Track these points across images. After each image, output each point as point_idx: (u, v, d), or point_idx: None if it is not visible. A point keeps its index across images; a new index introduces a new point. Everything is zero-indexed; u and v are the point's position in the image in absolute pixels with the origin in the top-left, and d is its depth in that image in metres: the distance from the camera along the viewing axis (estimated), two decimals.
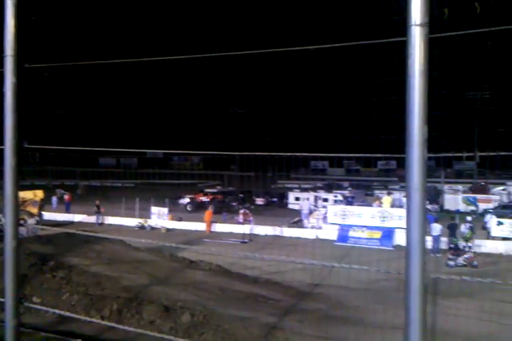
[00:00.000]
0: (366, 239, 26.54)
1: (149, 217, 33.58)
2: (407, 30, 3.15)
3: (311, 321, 12.16)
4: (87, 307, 10.19)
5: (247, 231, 28.67)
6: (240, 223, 31.28)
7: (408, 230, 3.66)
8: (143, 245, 17.98)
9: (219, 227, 31.83)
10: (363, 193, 44.20)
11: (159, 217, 33.45)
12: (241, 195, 47.00)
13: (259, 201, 47.23)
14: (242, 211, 32.93)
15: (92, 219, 34.27)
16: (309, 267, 18.57)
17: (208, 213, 32.00)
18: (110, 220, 34.68)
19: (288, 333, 10.89)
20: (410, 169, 3.40)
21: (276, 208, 43.72)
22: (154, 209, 34.10)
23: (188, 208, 41.60)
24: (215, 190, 51.93)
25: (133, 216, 34.30)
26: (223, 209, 38.74)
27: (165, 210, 33.90)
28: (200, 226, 31.85)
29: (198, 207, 40.49)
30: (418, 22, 3.10)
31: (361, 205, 32.50)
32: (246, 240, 27.35)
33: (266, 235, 29.38)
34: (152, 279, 13.26)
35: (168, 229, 31.91)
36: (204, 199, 42.82)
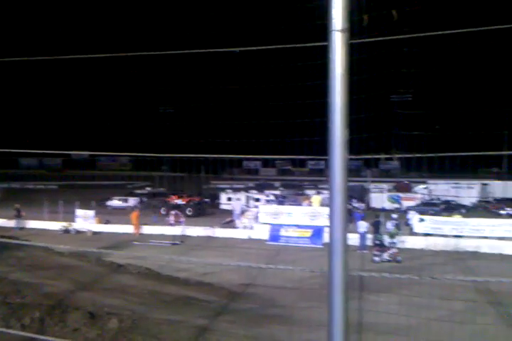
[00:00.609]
0: (297, 237, 27.03)
1: (74, 220, 32.30)
2: (328, 35, 3.23)
3: (243, 321, 12.23)
4: (6, 316, 9.65)
5: (179, 233, 28.33)
6: (171, 224, 30.82)
7: (331, 229, 3.74)
8: (67, 250, 17.30)
9: (149, 229, 31.19)
10: (294, 193, 45.06)
11: (85, 220, 32.25)
12: None
13: None
14: (173, 212, 32.48)
15: (12, 223, 32.50)
16: (241, 267, 18.69)
17: (135, 215, 31.25)
18: (32, 224, 33.02)
19: (220, 334, 10.88)
20: (332, 170, 3.49)
21: (209, 208, 43.52)
22: (79, 211, 32.85)
23: (162, 211, 38.72)
24: (144, 192, 50.85)
25: (56, 219, 32.87)
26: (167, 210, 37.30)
27: (91, 213, 32.73)
28: (129, 229, 31.06)
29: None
30: (339, 28, 3.19)
31: (292, 205, 33.06)
32: (177, 242, 26.99)
33: (198, 236, 29.18)
34: (77, 285, 12.77)
35: (94, 233, 30.84)
36: (179, 202, 40.75)
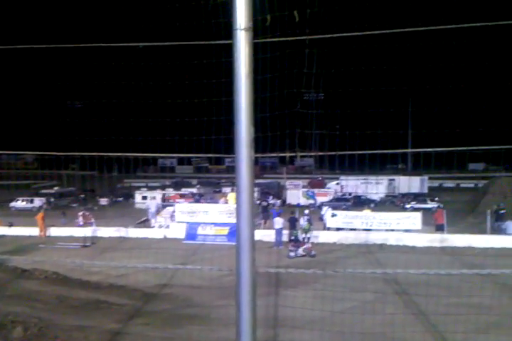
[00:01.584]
0: (214, 235, 26.94)
1: None
2: (232, 34, 3.24)
3: (157, 323, 12.01)
4: None
5: (89, 234, 27.19)
6: (80, 226, 29.54)
7: (238, 227, 3.75)
8: None
9: (57, 231, 29.62)
10: (212, 190, 45.04)
11: None
12: (82, 196, 44.55)
13: (103, 201, 45.28)
14: (81, 213, 31.14)
15: None
16: (155, 267, 18.36)
17: (40, 216, 29.57)
18: None
19: (133, 338, 10.61)
20: (239, 168, 3.50)
21: (123, 208, 42.30)
22: None
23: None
24: (52, 191, 48.36)
25: None
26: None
27: None
28: (35, 232, 29.32)
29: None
30: (243, 26, 3.20)
31: (209, 202, 32.96)
32: (88, 244, 25.90)
33: (110, 237, 28.18)
34: None
35: None
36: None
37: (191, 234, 27.57)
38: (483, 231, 26.63)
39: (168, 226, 29.51)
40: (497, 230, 26.97)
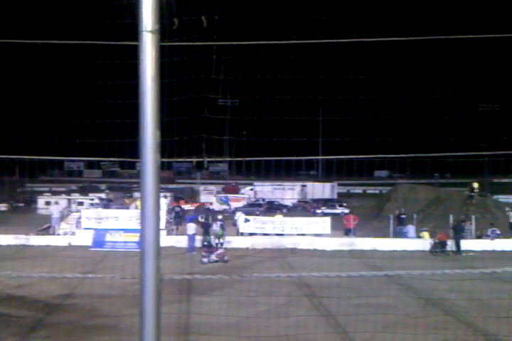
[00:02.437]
0: (124, 242, 26.08)
1: None
2: (138, 35, 3.15)
3: (60, 335, 11.41)
4: None
5: None
6: None
7: (142, 233, 3.65)
8: None
9: None
10: (122, 195, 43.64)
11: None
12: None
13: (1, 207, 42.26)
14: None
15: None
16: (58, 277, 17.43)
17: None
18: None
19: None
20: (144, 173, 3.41)
21: (23, 214, 39.64)
22: None
23: (169, 219, 32.26)
24: None
25: None
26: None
27: None
28: None
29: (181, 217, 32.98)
30: (149, 28, 3.13)
31: (119, 208, 31.89)
32: None
33: (8, 245, 26.21)
34: None
35: None
36: (188, 207, 38.05)
37: (99, 241, 26.48)
38: (386, 235, 28.17)
39: (73, 233, 28.12)
40: (399, 234, 28.63)
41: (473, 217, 29.18)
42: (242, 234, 28.74)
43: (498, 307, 12.70)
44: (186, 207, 40.61)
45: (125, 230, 26.60)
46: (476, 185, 34.57)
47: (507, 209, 31.05)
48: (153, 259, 3.68)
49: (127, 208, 31.41)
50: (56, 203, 32.71)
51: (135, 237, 26.25)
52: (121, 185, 57.82)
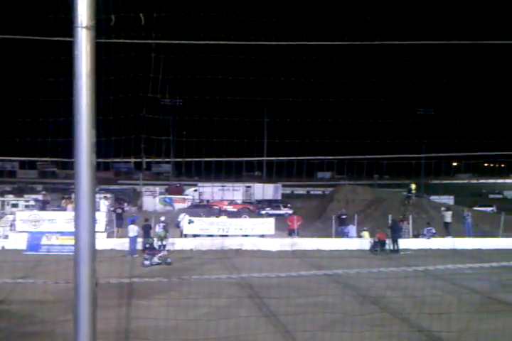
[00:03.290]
0: (60, 245, 25.14)
1: None
2: (73, 31, 3.06)
3: None
4: None
5: None
6: None
7: (76, 236, 3.54)
8: None
9: None
10: (59, 197, 42.08)
11: None
12: None
13: None
14: None
15: None
16: None
17: None
18: None
19: None
20: (78, 173, 3.31)
21: None
22: None
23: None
24: None
25: None
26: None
27: None
28: None
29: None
30: (84, 24, 3.04)
31: (55, 210, 30.76)
32: None
33: None
34: None
35: None
36: (230, 208, 37.84)
37: (34, 245, 25.40)
38: (329, 235, 28.78)
39: (7, 237, 26.84)
40: (341, 234, 29.33)
41: (410, 216, 30.38)
42: (185, 236, 28.47)
43: (430, 303, 13.28)
44: (227, 207, 40.63)
45: (62, 233, 25.61)
46: (413, 186, 36.02)
47: (442, 209, 32.49)
48: (88, 262, 3.58)
49: (64, 210, 30.36)
50: None
51: (72, 240, 25.32)
52: (58, 186, 55.69)
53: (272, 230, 28.65)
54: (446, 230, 29.89)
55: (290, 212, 38.66)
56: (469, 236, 29.47)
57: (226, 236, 28.17)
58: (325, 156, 12.01)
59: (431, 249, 26.33)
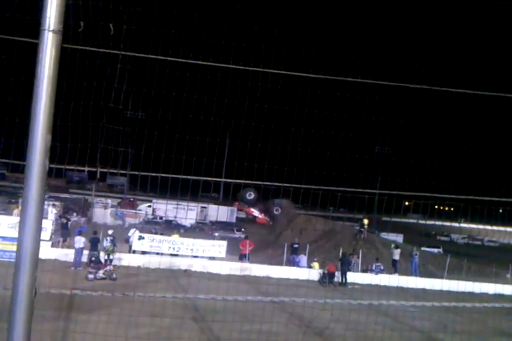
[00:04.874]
0: (1, 251, 24.13)
1: None
2: (39, 34, 3.04)
3: None
4: None
5: None
6: None
7: (20, 242, 3.44)
8: None
9: None
10: (6, 200, 40.57)
11: None
12: None
13: None
14: None
15: None
16: None
17: None
18: None
19: None
20: (28, 177, 3.24)
21: None
22: None
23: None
24: None
25: None
26: None
27: None
28: None
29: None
30: (51, 28, 3.03)
31: (0, 213, 29.53)
32: None
33: None
34: None
35: None
36: (256, 213, 38.07)
37: None
38: (280, 263, 28.79)
39: None
40: (292, 262, 29.39)
41: (360, 251, 30.80)
42: (134, 252, 27.86)
43: (372, 338, 13.38)
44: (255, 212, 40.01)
45: (4, 238, 24.63)
46: (365, 221, 36.69)
47: (392, 246, 33.14)
48: (29, 270, 3.48)
49: (9, 214, 29.19)
50: None
51: (14, 246, 24.32)
52: (6, 189, 53.55)
53: (223, 253, 28.42)
54: (393, 267, 30.42)
55: (243, 236, 38.55)
56: (415, 275, 30.10)
57: (176, 255, 27.75)
58: (281, 183, 12.15)
59: (377, 285, 26.67)
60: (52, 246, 26.21)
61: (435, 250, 46.76)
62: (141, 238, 28.12)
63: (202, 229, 46.81)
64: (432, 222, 64.63)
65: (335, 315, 15.00)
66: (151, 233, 29.88)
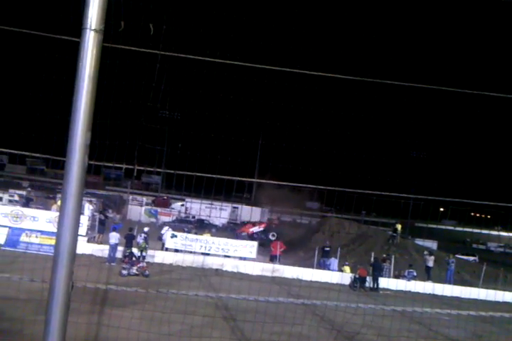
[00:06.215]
0: (39, 244, 24.86)
1: None
2: (81, 32, 3.08)
3: None
4: None
5: None
6: None
7: (58, 236, 3.50)
8: None
9: None
10: (45, 195, 41.73)
11: None
12: None
13: None
14: None
15: None
16: None
17: None
18: None
19: None
20: (68, 174, 3.29)
21: None
22: None
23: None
24: None
25: None
26: None
27: None
28: None
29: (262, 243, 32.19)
30: (93, 27, 3.06)
31: (39, 208, 30.44)
32: None
33: None
34: None
35: None
36: (256, 229, 38.40)
37: (13, 241, 25.09)
38: (311, 266, 28.57)
39: None
40: (322, 266, 29.14)
41: (392, 256, 30.25)
42: (167, 250, 28.20)
43: None
44: (254, 229, 40.19)
45: (42, 232, 25.36)
46: (399, 226, 36.00)
47: (425, 252, 32.43)
48: (66, 264, 3.53)
49: (48, 209, 30.04)
50: None
51: (52, 240, 25.08)
52: (45, 184, 55.07)
53: (254, 253, 28.43)
54: (427, 274, 29.76)
55: (274, 237, 38.45)
56: (450, 282, 29.36)
57: (208, 254, 27.92)
58: (315, 185, 12.05)
59: (410, 292, 26.13)
60: (88, 241, 26.81)
61: (470, 258, 45.50)
62: (173, 236, 28.46)
63: (233, 229, 46.94)
64: (469, 229, 62.91)
65: (367, 320, 14.76)
66: (183, 231, 30.19)
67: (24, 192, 38.59)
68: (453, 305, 23.56)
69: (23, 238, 25.30)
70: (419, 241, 43.23)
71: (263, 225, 43.48)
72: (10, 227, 25.87)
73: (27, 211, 27.81)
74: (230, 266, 26.98)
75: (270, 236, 41.88)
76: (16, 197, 36.44)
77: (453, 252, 39.15)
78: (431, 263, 30.17)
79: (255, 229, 43.31)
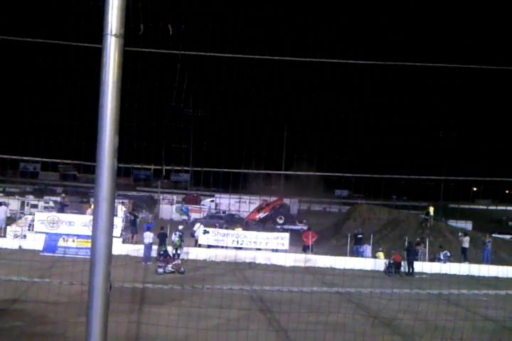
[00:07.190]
0: (77, 248, 25.47)
1: None
2: (102, 38, 3.15)
3: None
4: None
5: None
6: None
7: (93, 239, 3.60)
8: None
9: None
10: (78, 200, 42.66)
11: None
12: None
13: None
14: None
15: None
16: (5, 281, 16.82)
17: None
18: None
19: None
20: (99, 178, 3.38)
21: None
22: None
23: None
24: None
25: None
26: None
27: None
28: None
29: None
30: (114, 32, 3.12)
31: (74, 213, 31.14)
32: None
33: None
34: None
35: None
36: (262, 215, 38.89)
37: (51, 246, 25.75)
38: (344, 254, 28.50)
39: (25, 236, 27.21)
40: (355, 253, 29.03)
41: (427, 240, 29.92)
42: (200, 246, 28.52)
43: (443, 328, 13.00)
44: (261, 215, 40.21)
45: (79, 236, 25.98)
46: (431, 209, 35.50)
47: (460, 234, 31.96)
48: (103, 265, 3.62)
49: (82, 213, 30.69)
50: (4, 204, 31.08)
51: (89, 243, 25.62)
52: (78, 189, 56.46)
53: (286, 245, 28.52)
54: (463, 255, 29.36)
55: (305, 227, 38.43)
56: (487, 262, 28.91)
57: (240, 248, 28.13)
58: (343, 173, 12.01)
59: (446, 274, 25.84)
60: (123, 242, 27.32)
61: (507, 236, 44.58)
62: (205, 232, 28.76)
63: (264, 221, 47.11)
64: (503, 207, 61.58)
65: (403, 306, 14.68)
66: (215, 227, 30.46)
67: (58, 198, 39.45)
68: (490, 285, 23.21)
69: (61, 243, 25.95)
70: (453, 223, 42.59)
71: (268, 209, 43.39)
72: (47, 233, 26.54)
73: (62, 216, 28.43)
74: (262, 258, 27.14)
75: (278, 220, 41.83)
76: (51, 204, 37.32)
77: (489, 231, 38.47)
78: (466, 244, 29.74)
79: (261, 214, 43.43)
